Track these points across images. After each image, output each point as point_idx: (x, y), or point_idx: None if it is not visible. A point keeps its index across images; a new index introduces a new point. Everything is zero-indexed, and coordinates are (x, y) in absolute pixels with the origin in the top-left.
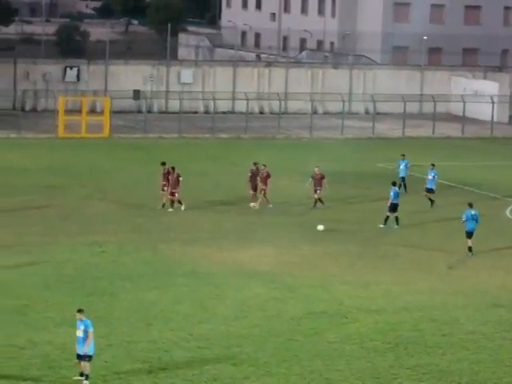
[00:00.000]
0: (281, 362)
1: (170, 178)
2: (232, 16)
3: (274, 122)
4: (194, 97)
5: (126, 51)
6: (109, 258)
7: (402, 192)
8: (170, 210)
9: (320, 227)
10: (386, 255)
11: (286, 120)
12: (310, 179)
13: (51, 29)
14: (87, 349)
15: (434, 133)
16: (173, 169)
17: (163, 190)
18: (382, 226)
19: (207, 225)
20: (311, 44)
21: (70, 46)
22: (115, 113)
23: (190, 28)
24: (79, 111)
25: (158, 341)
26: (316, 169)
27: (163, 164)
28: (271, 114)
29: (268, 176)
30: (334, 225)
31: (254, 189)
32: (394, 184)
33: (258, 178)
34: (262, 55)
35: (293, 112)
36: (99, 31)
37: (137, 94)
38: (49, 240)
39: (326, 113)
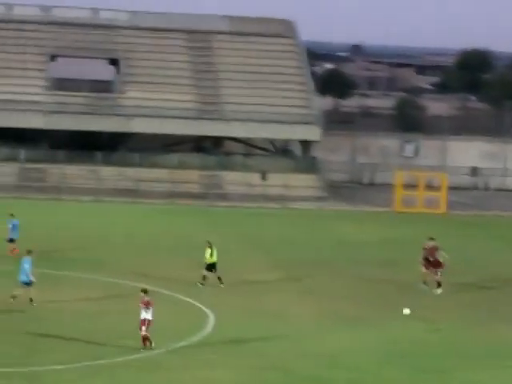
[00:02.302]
0: None
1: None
2: None
3: None
4: None
5: (463, 127)
6: (443, 334)
7: None
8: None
9: (406, 311)
10: None
11: None
12: None
13: (389, 103)
14: None
15: None
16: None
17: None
18: None
19: None
20: None
21: (408, 120)
22: (451, 189)
23: None
24: (416, 186)
25: None
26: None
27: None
28: None
29: None
30: None
31: None
32: None
33: None
34: None
35: None
36: (436, 106)
37: (474, 171)
38: (385, 314)
39: None
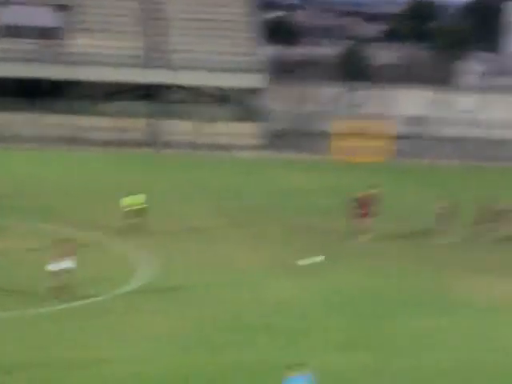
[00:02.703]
0: None
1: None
2: None
3: None
4: (475, 123)
5: (409, 75)
6: (384, 282)
7: None
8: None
9: (318, 258)
10: None
11: None
12: None
13: (336, 51)
14: None
15: None
16: (355, 199)
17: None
18: None
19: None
20: None
21: (354, 68)
22: (395, 137)
23: (474, 54)
24: (360, 134)
25: (439, 366)
26: None
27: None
28: None
29: None
30: None
31: None
32: None
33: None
34: None
35: None
36: (383, 54)
37: (419, 120)
38: (331, 262)
39: None
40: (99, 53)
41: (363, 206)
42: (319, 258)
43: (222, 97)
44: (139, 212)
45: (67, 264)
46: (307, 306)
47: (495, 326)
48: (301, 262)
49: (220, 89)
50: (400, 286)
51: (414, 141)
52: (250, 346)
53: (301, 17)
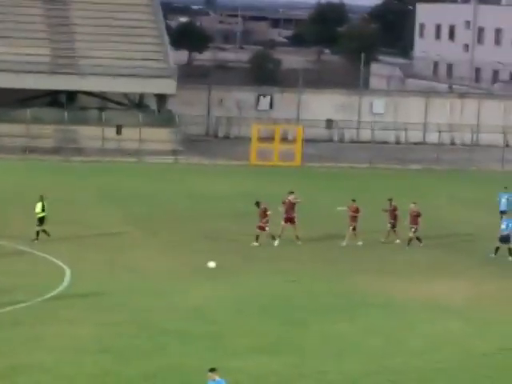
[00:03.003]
0: None
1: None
2: (425, 46)
3: (465, 154)
4: (385, 127)
5: (318, 80)
6: (301, 287)
7: None
8: (255, 244)
9: (211, 264)
10: None
11: (478, 152)
12: (408, 217)
13: (244, 56)
14: None
15: None
16: (257, 204)
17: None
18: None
19: (399, 257)
20: (504, 76)
21: (263, 73)
22: (307, 141)
23: (382, 58)
24: (272, 139)
25: (348, 372)
26: (412, 205)
27: (257, 204)
28: (462, 145)
29: (418, 215)
30: None
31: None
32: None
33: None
34: (454, 86)
35: (485, 144)
36: (291, 59)
37: (329, 124)
38: (243, 267)
39: None
40: (6, 59)
41: (287, 211)
42: (212, 264)
43: (131, 102)
44: (41, 220)
45: None
46: (220, 311)
47: (409, 326)
48: (210, 265)
49: (128, 94)
50: (312, 289)
51: (327, 144)
52: (161, 351)
53: (206, 22)
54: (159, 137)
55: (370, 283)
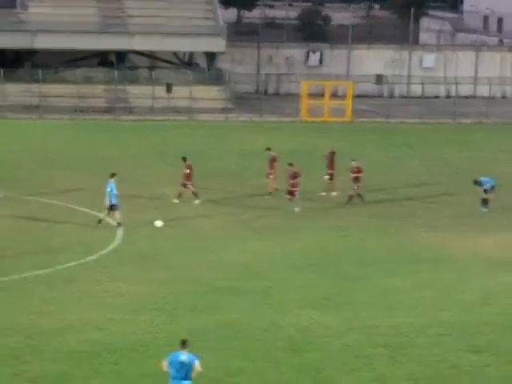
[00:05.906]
0: None
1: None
2: (475, 0)
3: None
4: (435, 81)
5: (368, 35)
6: (351, 242)
7: None
8: (176, 201)
9: (158, 223)
10: None
11: None
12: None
13: (293, 13)
14: None
15: None
16: (184, 159)
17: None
18: None
19: (448, 211)
20: None
21: (312, 30)
22: (357, 97)
23: (432, 12)
24: (321, 95)
25: (400, 326)
26: (353, 162)
27: (184, 159)
28: None
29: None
30: None
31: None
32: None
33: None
34: (505, 40)
35: None
36: (341, 16)
37: (379, 79)
38: (293, 224)
39: None
40: (55, 20)
41: (329, 165)
42: (159, 223)
43: (181, 61)
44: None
45: None
46: (270, 268)
47: (461, 280)
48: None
49: (178, 53)
50: (362, 244)
51: (377, 100)
52: (213, 308)
53: None
54: (209, 95)
55: (420, 238)
